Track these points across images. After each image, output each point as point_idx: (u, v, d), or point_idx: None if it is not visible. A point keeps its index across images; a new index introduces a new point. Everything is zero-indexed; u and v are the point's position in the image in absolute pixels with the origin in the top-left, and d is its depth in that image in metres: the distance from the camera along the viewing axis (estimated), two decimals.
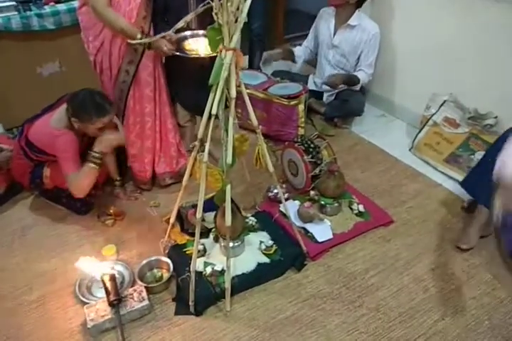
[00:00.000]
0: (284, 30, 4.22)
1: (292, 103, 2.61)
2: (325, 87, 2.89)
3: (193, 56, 1.95)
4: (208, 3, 1.30)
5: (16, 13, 2.53)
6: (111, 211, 2.15)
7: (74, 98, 1.86)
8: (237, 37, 1.31)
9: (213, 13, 1.28)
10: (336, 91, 2.86)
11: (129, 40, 1.87)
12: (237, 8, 1.25)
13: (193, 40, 2.01)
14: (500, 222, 1.29)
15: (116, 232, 2.10)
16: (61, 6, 2.63)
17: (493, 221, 1.28)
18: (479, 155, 2.30)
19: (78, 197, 1.97)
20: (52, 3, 2.64)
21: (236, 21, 1.29)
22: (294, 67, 3.09)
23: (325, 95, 2.97)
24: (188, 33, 2.00)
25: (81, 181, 1.91)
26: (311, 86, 2.99)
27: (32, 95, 2.67)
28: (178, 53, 1.92)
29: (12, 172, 2.22)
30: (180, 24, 1.59)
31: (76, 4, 2.60)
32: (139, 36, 1.85)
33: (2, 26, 2.49)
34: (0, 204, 2.26)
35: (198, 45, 1.98)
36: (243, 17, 1.27)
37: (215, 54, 1.41)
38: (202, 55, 1.94)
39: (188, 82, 2.14)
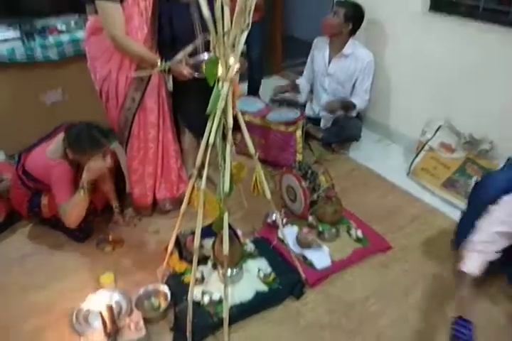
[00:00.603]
0: (282, 57, 4.33)
1: (290, 129, 2.65)
2: (322, 113, 2.94)
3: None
4: (207, 35, 1.35)
5: (21, 44, 2.61)
6: (110, 238, 2.15)
7: (71, 129, 1.91)
8: (233, 69, 1.35)
9: (211, 47, 1.32)
10: (333, 117, 2.91)
11: (136, 73, 1.94)
12: (234, 41, 1.29)
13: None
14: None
15: (115, 259, 2.09)
16: (65, 37, 2.72)
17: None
18: (476, 180, 2.32)
19: (70, 227, 1.99)
20: (55, 34, 2.73)
21: (232, 53, 1.33)
22: (299, 98, 3.14)
23: (322, 121, 3.01)
24: (202, 56, 2.02)
25: (71, 211, 1.93)
26: (308, 112, 3.04)
27: (35, 122, 2.72)
28: (196, 75, 1.95)
29: (11, 201, 2.24)
30: (190, 49, 1.64)
31: (80, 35, 2.72)
32: (158, 61, 1.92)
33: (6, 58, 2.56)
34: (0, 231, 2.26)
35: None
36: (239, 50, 1.31)
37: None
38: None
39: (195, 104, 2.16)
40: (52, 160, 1.93)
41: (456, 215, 2.25)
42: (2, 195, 2.27)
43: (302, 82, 3.09)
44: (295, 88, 3.08)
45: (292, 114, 2.73)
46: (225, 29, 1.24)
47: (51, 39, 2.68)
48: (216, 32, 1.25)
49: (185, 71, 1.94)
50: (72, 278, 1.99)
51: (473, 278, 1.51)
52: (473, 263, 1.52)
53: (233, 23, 1.21)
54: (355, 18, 2.70)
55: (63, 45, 2.69)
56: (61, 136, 1.95)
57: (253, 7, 1.20)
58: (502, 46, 2.26)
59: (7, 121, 2.74)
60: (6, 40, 2.62)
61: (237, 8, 1.18)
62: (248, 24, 1.23)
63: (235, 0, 1.16)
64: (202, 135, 2.33)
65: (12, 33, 2.68)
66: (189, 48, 1.91)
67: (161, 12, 1.97)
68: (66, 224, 1.97)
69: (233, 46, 1.29)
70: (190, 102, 2.21)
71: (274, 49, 4.24)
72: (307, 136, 2.95)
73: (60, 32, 2.77)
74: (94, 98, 2.17)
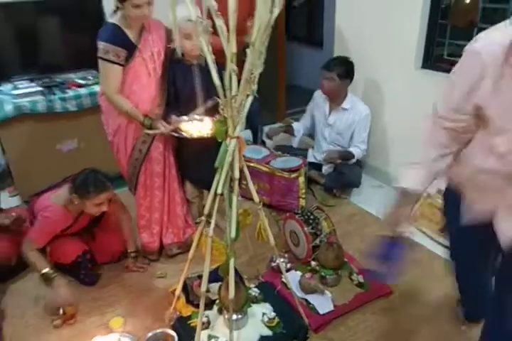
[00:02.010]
0: (285, 105, 4.54)
1: (293, 176, 2.78)
2: (323, 160, 3.09)
3: (188, 136, 2.13)
4: (216, 99, 1.50)
5: (42, 97, 2.81)
6: (63, 310, 2.04)
7: (78, 175, 2.08)
8: (240, 127, 1.50)
9: (219, 108, 1.48)
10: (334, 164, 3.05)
11: (146, 131, 2.12)
12: (240, 104, 1.45)
13: (189, 123, 2.16)
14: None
15: (124, 304, 2.15)
16: (83, 90, 2.92)
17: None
18: None
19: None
20: (74, 88, 2.95)
21: (239, 114, 1.48)
22: (293, 140, 3.31)
23: (324, 167, 3.15)
24: (185, 117, 2.16)
25: (26, 254, 2.08)
26: (310, 159, 3.19)
27: (51, 169, 2.85)
28: (174, 134, 2.13)
29: None
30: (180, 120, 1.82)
31: (97, 88, 2.92)
32: (141, 118, 2.09)
33: (28, 109, 2.75)
34: (12, 276, 2.33)
35: (193, 127, 2.14)
36: (245, 112, 1.47)
37: (205, 136, 1.58)
38: (194, 136, 2.12)
39: (193, 160, 2.35)
40: (53, 204, 2.09)
41: None
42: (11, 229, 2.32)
43: (297, 126, 3.25)
44: (289, 131, 3.24)
45: (295, 161, 2.87)
46: (233, 94, 1.40)
47: (70, 92, 2.88)
48: (225, 96, 1.41)
49: (163, 128, 2.09)
50: (83, 321, 2.05)
51: (417, 197, 1.42)
52: (413, 177, 1.36)
53: (240, 89, 1.37)
54: (348, 72, 2.90)
55: (81, 98, 2.88)
56: (69, 185, 2.10)
57: (257, 76, 1.36)
58: None
59: (24, 168, 2.89)
60: (28, 94, 2.82)
61: (242, 78, 1.34)
62: (253, 90, 1.39)
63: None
64: (204, 188, 2.49)
65: (34, 87, 2.90)
66: (201, 109, 2.09)
67: (167, 72, 2.16)
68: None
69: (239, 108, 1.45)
70: (193, 159, 2.35)
71: (278, 97, 4.46)
72: (310, 181, 3.07)
73: (79, 86, 2.98)
74: (107, 147, 2.31)
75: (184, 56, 2.12)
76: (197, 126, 2.12)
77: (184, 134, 2.13)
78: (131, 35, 2.01)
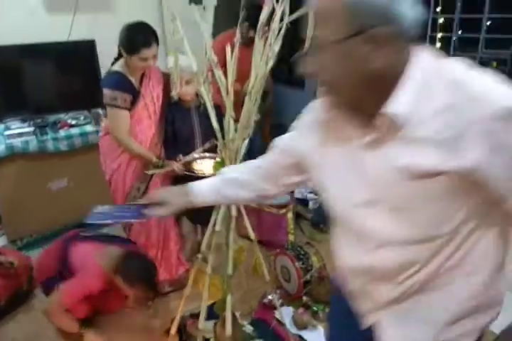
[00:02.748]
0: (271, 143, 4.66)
1: (281, 212, 2.85)
2: (310, 196, 3.18)
3: (199, 175, 2.20)
4: (213, 141, 1.60)
5: (34, 137, 2.85)
6: None
7: (132, 259, 2.03)
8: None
9: (218, 150, 1.57)
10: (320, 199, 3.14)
11: (149, 171, 2.19)
12: (237, 147, 1.54)
13: (200, 161, 2.28)
14: None
15: None
16: (75, 130, 2.97)
17: None
18: None
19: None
20: (66, 128, 3.01)
21: (236, 155, 1.58)
22: None
23: (310, 203, 3.24)
24: (195, 155, 2.27)
25: (55, 318, 2.03)
26: (297, 195, 3.28)
27: (39, 208, 2.86)
28: (187, 173, 2.20)
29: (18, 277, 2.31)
30: (189, 158, 1.90)
31: (88, 129, 3.00)
32: (154, 159, 2.18)
33: (20, 148, 2.78)
34: (1, 317, 2.27)
35: (204, 166, 2.25)
36: (242, 153, 1.56)
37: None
38: (206, 174, 2.19)
39: None
40: (100, 267, 2.02)
41: None
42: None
43: None
44: None
45: (284, 197, 2.95)
46: (231, 137, 1.50)
47: (62, 133, 2.93)
48: (223, 138, 1.51)
49: (177, 168, 2.19)
50: None
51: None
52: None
53: (238, 134, 1.47)
54: None
55: (73, 138, 2.93)
56: (115, 252, 2.06)
57: (252, 122, 1.47)
58: None
59: (13, 207, 2.86)
60: (20, 134, 2.87)
61: (240, 124, 1.45)
62: (249, 134, 1.50)
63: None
64: (200, 223, 2.54)
65: (26, 128, 2.95)
66: (199, 150, 2.19)
67: (166, 115, 2.28)
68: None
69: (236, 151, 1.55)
70: None
71: (264, 136, 4.60)
72: (298, 217, 3.15)
73: (71, 126, 3.04)
74: (96, 186, 2.35)
75: (181, 100, 2.24)
76: (209, 165, 2.21)
77: (197, 173, 2.22)
78: (134, 81, 2.12)
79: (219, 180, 1.22)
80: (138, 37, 1.98)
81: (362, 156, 0.86)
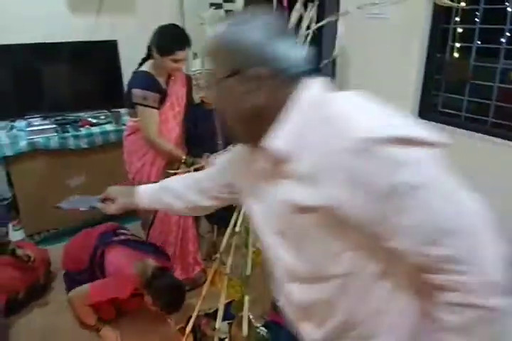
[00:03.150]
0: None
1: None
2: None
3: None
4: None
5: (56, 134, 2.91)
6: None
7: (165, 280, 2.08)
8: None
9: None
10: None
11: (170, 171, 2.18)
12: None
13: None
14: None
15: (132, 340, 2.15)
16: (95, 129, 3.03)
17: None
18: None
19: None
20: (87, 126, 3.06)
21: None
22: None
23: None
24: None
25: (79, 299, 2.11)
26: None
27: (57, 203, 2.90)
28: None
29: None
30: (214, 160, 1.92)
31: (109, 127, 3.05)
32: (183, 156, 2.22)
33: (42, 145, 2.84)
34: (18, 309, 2.30)
35: None
36: None
37: None
38: None
39: None
40: (131, 277, 2.06)
41: None
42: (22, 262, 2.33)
43: None
44: None
45: None
46: None
47: (83, 130, 2.98)
48: None
49: (206, 165, 2.22)
50: None
51: None
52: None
53: None
54: None
55: (93, 136, 2.98)
56: (151, 266, 2.08)
57: None
58: (484, 153, 2.39)
59: (31, 202, 2.92)
60: (42, 130, 2.93)
61: None
62: None
63: None
64: (218, 223, 2.57)
65: (48, 125, 3.01)
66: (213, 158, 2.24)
67: (189, 115, 2.32)
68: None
69: None
70: None
71: None
72: None
73: (92, 125, 3.09)
74: (111, 181, 2.37)
75: (203, 102, 2.28)
76: None
77: None
78: (162, 81, 2.16)
79: (159, 187, 1.26)
80: (174, 39, 2.02)
81: (265, 188, 0.88)
